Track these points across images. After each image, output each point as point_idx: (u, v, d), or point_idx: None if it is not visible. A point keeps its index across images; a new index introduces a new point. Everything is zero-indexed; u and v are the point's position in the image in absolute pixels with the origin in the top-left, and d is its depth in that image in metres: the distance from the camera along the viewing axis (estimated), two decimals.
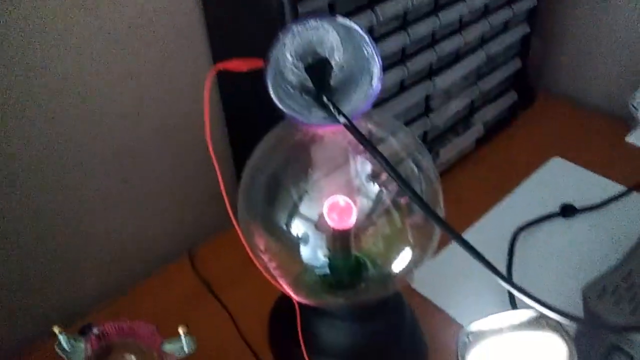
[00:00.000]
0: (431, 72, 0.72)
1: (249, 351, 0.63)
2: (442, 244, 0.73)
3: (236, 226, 0.44)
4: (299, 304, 0.52)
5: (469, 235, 0.75)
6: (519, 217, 0.76)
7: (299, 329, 0.52)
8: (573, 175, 0.84)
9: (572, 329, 0.45)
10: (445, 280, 0.69)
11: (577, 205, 0.77)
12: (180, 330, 0.51)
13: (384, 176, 0.49)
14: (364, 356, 0.57)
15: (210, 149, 0.40)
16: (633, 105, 0.89)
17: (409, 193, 0.39)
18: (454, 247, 0.72)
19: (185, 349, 0.52)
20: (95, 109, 0.63)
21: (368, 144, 0.39)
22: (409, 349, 0.60)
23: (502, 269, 0.69)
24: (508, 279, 0.42)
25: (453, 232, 0.40)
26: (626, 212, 0.76)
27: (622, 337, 0.49)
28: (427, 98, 0.74)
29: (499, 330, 0.46)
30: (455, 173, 0.86)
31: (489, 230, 0.76)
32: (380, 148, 0.39)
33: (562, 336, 0.45)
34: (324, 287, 0.52)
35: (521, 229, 0.74)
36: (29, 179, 0.61)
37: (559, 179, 0.84)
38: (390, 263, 0.52)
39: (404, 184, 0.39)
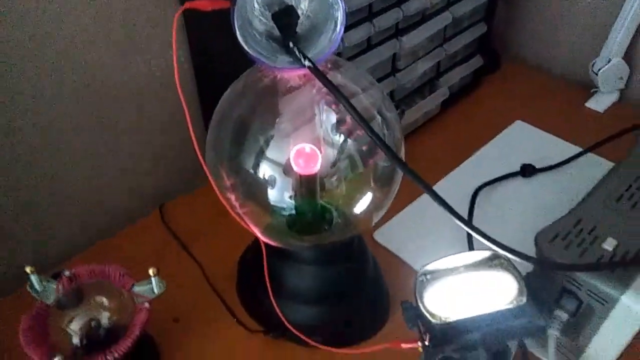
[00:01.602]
0: (398, 31, 0.74)
1: (217, 299, 0.65)
2: (405, 202, 0.76)
3: (205, 168, 0.46)
4: (267, 247, 0.55)
5: (440, 186, 0.78)
6: (481, 176, 0.79)
7: (266, 272, 0.55)
8: (534, 138, 0.88)
9: (523, 273, 0.48)
10: (408, 234, 0.72)
11: (536, 165, 0.81)
12: (150, 272, 0.52)
13: (349, 124, 0.51)
14: (328, 299, 0.60)
15: (180, 91, 0.41)
16: (593, 71, 0.92)
17: (371, 134, 0.41)
18: (416, 204, 0.76)
19: (155, 289, 0.53)
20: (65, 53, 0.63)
21: (332, 87, 0.40)
22: (371, 293, 0.63)
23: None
24: (464, 219, 0.45)
25: (413, 174, 0.42)
26: (582, 172, 0.80)
27: (569, 277, 0.52)
28: (394, 57, 0.76)
29: (455, 270, 0.49)
30: (421, 135, 0.88)
31: (452, 188, 0.79)
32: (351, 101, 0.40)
33: (512, 274, 0.48)
34: (291, 229, 0.54)
35: (482, 186, 0.77)
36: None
37: (520, 141, 0.87)
38: (353, 208, 0.54)
39: (367, 127, 0.41)
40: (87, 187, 0.73)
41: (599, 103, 0.94)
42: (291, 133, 0.48)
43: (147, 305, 0.52)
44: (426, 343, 0.47)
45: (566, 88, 0.98)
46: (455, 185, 0.79)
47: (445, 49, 0.82)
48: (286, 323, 0.56)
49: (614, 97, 0.94)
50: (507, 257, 0.48)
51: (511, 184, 0.79)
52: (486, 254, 0.49)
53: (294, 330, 0.56)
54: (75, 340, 0.50)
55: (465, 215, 0.73)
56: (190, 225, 0.75)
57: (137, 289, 0.54)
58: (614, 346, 0.52)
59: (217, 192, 0.48)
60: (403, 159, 0.53)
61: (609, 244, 0.52)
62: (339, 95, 0.41)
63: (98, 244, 0.72)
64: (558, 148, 0.85)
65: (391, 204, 0.65)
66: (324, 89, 0.42)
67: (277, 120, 0.48)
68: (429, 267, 0.49)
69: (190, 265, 0.69)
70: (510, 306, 0.46)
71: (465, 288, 0.48)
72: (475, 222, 0.72)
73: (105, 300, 0.53)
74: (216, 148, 0.49)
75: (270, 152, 0.49)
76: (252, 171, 0.49)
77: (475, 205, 0.75)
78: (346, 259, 0.60)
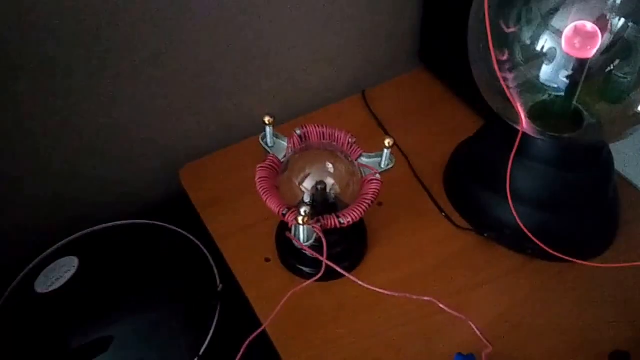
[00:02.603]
0: None
1: (423, 192, 0.62)
2: None
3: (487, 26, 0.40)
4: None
5: None
6: None
7: (506, 161, 0.49)
8: None
9: None
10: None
11: None
12: (387, 142, 0.49)
13: None
14: (559, 207, 0.54)
15: None
16: None
17: None
18: None
19: (385, 163, 0.50)
20: None
21: None
22: (605, 208, 0.56)
23: None
24: None
25: None
26: None
27: None
28: None
29: None
30: None
31: None
32: None
33: None
34: (546, 116, 0.47)
35: None
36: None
37: None
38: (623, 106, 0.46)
39: None
40: (293, 62, 0.70)
41: None
42: (576, 7, 0.41)
43: (378, 176, 0.49)
44: None
45: None
46: None
47: None
48: (521, 225, 0.50)
49: None
50: None
51: None
52: None
53: (528, 234, 0.50)
54: (307, 198, 0.48)
55: None
56: (395, 111, 0.70)
57: (366, 160, 0.51)
58: None
59: (492, 58, 0.42)
60: None
61: None
62: None
63: (300, 120, 0.70)
64: None
65: None
66: None
67: None
68: None
69: (395, 151, 0.65)
70: None
71: None
72: None
73: (332, 166, 0.50)
74: (495, 9, 0.43)
75: (553, 21, 0.42)
76: (528, 42, 0.42)
77: None
78: (591, 165, 0.53)
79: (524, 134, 0.48)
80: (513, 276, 0.55)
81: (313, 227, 0.45)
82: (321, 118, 0.70)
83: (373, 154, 0.51)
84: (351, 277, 0.46)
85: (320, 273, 0.46)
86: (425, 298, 0.47)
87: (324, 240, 0.45)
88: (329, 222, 0.46)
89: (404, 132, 0.67)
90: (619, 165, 0.60)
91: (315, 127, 0.51)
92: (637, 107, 0.47)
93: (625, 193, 0.59)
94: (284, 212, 0.45)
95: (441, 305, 0.47)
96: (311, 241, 0.46)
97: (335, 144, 0.51)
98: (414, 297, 0.47)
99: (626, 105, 0.48)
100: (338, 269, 0.46)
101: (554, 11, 0.44)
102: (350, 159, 0.51)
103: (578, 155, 0.53)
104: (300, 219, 0.43)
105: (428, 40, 0.74)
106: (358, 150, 0.51)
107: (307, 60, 0.70)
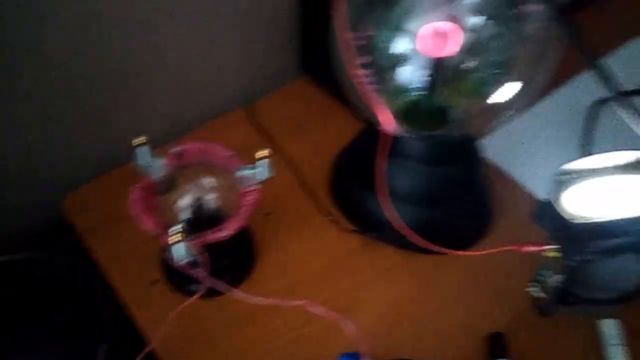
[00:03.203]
0: None
1: (310, 197, 0.63)
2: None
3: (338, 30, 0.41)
4: (373, 140, 0.51)
5: (547, 104, 0.72)
6: (598, 90, 0.72)
7: (380, 163, 0.51)
8: None
9: None
10: (511, 146, 0.67)
11: None
12: (266, 152, 0.49)
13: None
14: (434, 200, 0.57)
15: None
16: None
17: None
18: (526, 116, 0.70)
19: (264, 173, 0.50)
20: None
21: None
22: (477, 198, 0.59)
23: (576, 140, 0.67)
24: None
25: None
26: None
27: None
28: None
29: (600, 171, 0.44)
30: None
31: (567, 100, 0.73)
32: None
33: None
34: (411, 115, 0.50)
35: (604, 100, 0.71)
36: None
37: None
38: (486, 98, 0.49)
39: None
40: (178, 79, 0.69)
41: None
42: (430, 7, 0.43)
43: (257, 187, 0.49)
44: (561, 245, 0.44)
45: None
46: (572, 97, 0.73)
47: None
48: (395, 223, 0.52)
49: None
50: None
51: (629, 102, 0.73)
52: (636, 154, 0.44)
53: (404, 230, 0.53)
54: (184, 216, 0.48)
55: (579, 130, 0.68)
56: (281, 123, 0.71)
57: (244, 171, 0.51)
58: None
59: (345, 66, 0.44)
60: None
61: None
62: None
63: (186, 137, 0.69)
64: None
65: None
66: None
67: None
68: (570, 166, 0.45)
69: (281, 162, 0.66)
70: None
71: (611, 189, 0.44)
72: (599, 137, 0.67)
73: (211, 181, 0.51)
74: (348, 17, 0.45)
75: (405, 24, 0.44)
76: (383, 45, 0.44)
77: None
78: (458, 159, 0.56)
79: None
80: (398, 272, 0.57)
81: (190, 243, 0.45)
82: (208, 133, 0.70)
83: (252, 166, 0.52)
84: (233, 291, 0.46)
85: (201, 290, 0.46)
86: (301, 302, 0.48)
87: (203, 256, 0.45)
88: (207, 237, 0.46)
89: (291, 142, 0.68)
90: (492, 155, 0.64)
91: (191, 144, 0.51)
92: (494, 101, 0.50)
93: (500, 182, 0.63)
94: (160, 232, 0.45)
95: (322, 309, 0.48)
96: (190, 258, 0.46)
97: (213, 159, 0.52)
98: (294, 303, 0.48)
99: (484, 100, 0.51)
100: (218, 284, 0.46)
101: (407, 14, 0.46)
102: (228, 173, 0.51)
103: (448, 151, 0.56)
104: (171, 238, 0.43)
105: (308, 50, 0.76)
106: (237, 163, 0.51)
107: (190, 77, 0.69)
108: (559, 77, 0.76)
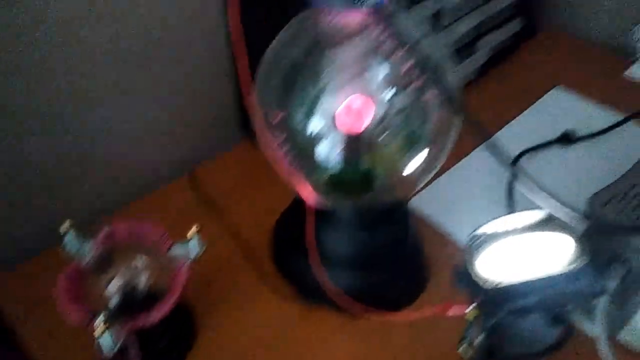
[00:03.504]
0: None
1: (252, 265, 0.64)
2: (444, 169, 0.74)
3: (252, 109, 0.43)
4: (309, 210, 0.53)
5: (472, 158, 0.75)
6: (521, 143, 0.76)
7: (308, 233, 0.53)
8: (574, 105, 0.84)
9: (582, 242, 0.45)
10: (442, 202, 0.70)
11: (577, 132, 0.78)
12: (193, 229, 0.50)
13: (404, 79, 0.48)
14: (368, 264, 0.58)
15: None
16: (633, 39, 0.88)
17: (432, 77, 0.38)
18: (452, 171, 0.73)
19: (196, 249, 0.52)
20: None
21: (391, 25, 0.38)
22: (411, 259, 0.61)
23: (503, 191, 0.70)
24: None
25: (470, 119, 0.40)
26: (624, 140, 0.77)
27: (620, 242, 0.49)
28: (438, 14, 0.73)
29: (508, 232, 0.46)
30: None
31: (492, 155, 0.76)
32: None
33: (570, 235, 0.45)
34: (334, 190, 0.52)
35: (523, 152, 0.75)
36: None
37: (560, 108, 0.84)
38: (402, 168, 0.52)
39: (428, 67, 0.38)
40: (115, 150, 0.71)
41: (638, 72, 0.90)
42: (343, 85, 0.46)
43: (187, 265, 0.50)
44: (478, 308, 0.46)
45: (605, 55, 0.95)
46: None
47: (485, 10, 0.79)
48: (329, 288, 0.54)
49: None
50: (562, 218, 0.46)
51: (552, 152, 0.77)
52: (540, 214, 0.47)
53: (335, 296, 0.54)
54: (114, 301, 0.48)
55: (507, 183, 0.71)
56: (223, 189, 0.73)
57: (176, 249, 0.52)
58: None
59: (262, 146, 0.46)
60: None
61: None
62: (397, 35, 0.38)
63: (124, 209, 0.70)
64: (599, 116, 0.82)
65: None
66: (381, 39, 0.39)
67: (328, 69, 0.46)
68: (481, 230, 0.47)
69: (223, 230, 0.67)
70: (568, 269, 0.44)
71: (519, 250, 0.46)
72: (517, 189, 0.70)
73: (143, 261, 0.51)
74: (264, 96, 0.47)
75: (320, 104, 0.47)
76: (300, 123, 0.46)
77: (517, 172, 0.73)
78: (388, 223, 0.58)
79: None
80: (339, 338, 0.58)
81: (118, 331, 0.45)
82: (147, 206, 0.70)
83: (184, 242, 0.53)
84: None
85: None
86: None
87: (133, 343, 0.46)
88: (136, 322, 0.46)
89: (233, 208, 0.69)
90: (426, 213, 0.67)
91: (120, 224, 0.52)
92: (408, 169, 0.53)
93: (435, 239, 0.65)
94: (86, 322, 0.45)
95: None
96: (119, 347, 0.46)
97: (144, 237, 0.52)
98: None
99: (400, 169, 0.53)
100: None
101: (319, 94, 0.48)
102: (160, 251, 0.52)
103: (376, 215, 0.58)
104: (96, 331, 0.43)
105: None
106: (168, 241, 0.52)
107: (128, 156, 0.71)
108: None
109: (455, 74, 0.76)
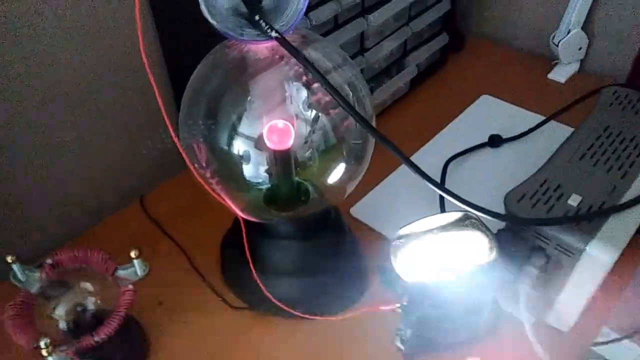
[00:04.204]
0: (364, 9, 0.76)
1: (202, 281, 0.67)
2: (379, 178, 0.78)
3: (178, 145, 0.47)
4: (247, 224, 0.56)
5: (403, 168, 0.79)
6: (451, 149, 0.81)
7: (246, 247, 0.56)
8: (500, 111, 0.90)
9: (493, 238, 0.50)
10: (382, 208, 0.74)
11: (503, 135, 0.83)
12: (132, 254, 0.53)
13: (321, 99, 0.52)
14: (308, 271, 0.62)
15: (148, 70, 0.41)
16: (554, 43, 0.95)
17: (342, 104, 0.43)
18: (390, 179, 0.78)
19: (138, 271, 0.54)
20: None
21: (300, 56, 0.42)
22: (350, 264, 0.65)
23: (437, 195, 0.74)
24: (434, 181, 0.47)
25: (386, 140, 0.44)
26: (546, 139, 0.83)
27: (538, 234, 0.54)
28: (362, 36, 0.78)
29: (427, 232, 0.51)
30: (390, 114, 0.90)
31: (423, 162, 0.79)
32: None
33: (483, 232, 0.50)
34: (268, 206, 0.55)
35: (452, 158, 0.80)
36: None
37: (487, 115, 0.90)
38: (328, 180, 0.56)
39: (337, 95, 0.42)
40: (64, 181, 0.73)
41: (560, 74, 0.97)
42: (263, 108, 0.50)
43: (130, 286, 0.53)
44: (404, 303, 0.50)
45: (529, 61, 1.01)
46: (427, 159, 0.81)
47: (411, 28, 0.84)
48: (269, 296, 0.57)
49: (574, 67, 0.97)
50: (477, 216, 0.51)
51: (480, 155, 0.82)
52: (458, 215, 0.51)
53: (277, 302, 0.57)
54: (62, 325, 0.50)
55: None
56: (171, 212, 0.75)
57: (121, 272, 0.55)
58: (581, 296, 0.55)
59: (192, 169, 0.49)
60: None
61: (574, 200, 0.55)
62: (307, 65, 0.42)
63: (78, 238, 0.72)
64: (523, 118, 0.87)
65: (366, 180, 0.67)
66: (295, 64, 0.43)
67: (248, 96, 0.49)
68: (403, 231, 0.51)
69: (174, 250, 0.70)
70: (482, 263, 0.49)
71: (438, 248, 0.50)
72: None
73: (89, 286, 0.54)
74: (189, 126, 0.50)
75: (242, 128, 0.50)
76: (225, 147, 0.50)
77: (447, 176, 0.78)
78: (324, 231, 0.62)
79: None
80: (285, 342, 0.61)
81: (66, 353, 0.47)
82: (100, 233, 0.73)
83: (128, 265, 0.55)
84: None
85: None
86: None
87: None
88: (81, 344, 0.49)
89: (182, 229, 0.72)
90: (364, 218, 0.71)
91: (66, 253, 0.54)
92: (331, 182, 0.57)
93: (375, 243, 0.69)
94: (35, 346, 0.47)
95: None
96: None
97: (90, 263, 0.55)
98: None
99: (324, 181, 0.57)
100: None
101: (244, 118, 0.52)
102: (106, 276, 0.54)
103: (312, 225, 0.61)
104: (44, 352, 0.45)
105: None
106: (112, 265, 0.55)
107: (76, 175, 0.73)
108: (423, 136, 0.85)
109: (373, 97, 0.81)
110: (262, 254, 0.60)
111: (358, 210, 0.74)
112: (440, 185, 0.48)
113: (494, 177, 0.77)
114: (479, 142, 0.83)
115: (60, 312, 0.51)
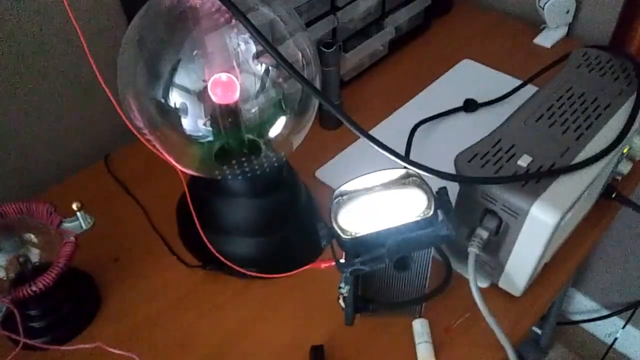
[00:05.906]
0: None
1: (159, 239, 0.67)
2: (347, 143, 0.77)
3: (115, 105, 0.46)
4: (199, 182, 0.55)
5: (376, 130, 0.78)
6: (425, 114, 0.79)
7: (190, 205, 0.55)
8: (480, 75, 0.88)
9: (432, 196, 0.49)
10: (347, 171, 0.72)
11: (480, 100, 0.81)
12: (74, 206, 0.53)
13: (264, 53, 0.51)
14: (260, 230, 0.61)
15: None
16: (540, 6, 0.92)
17: (278, 59, 0.41)
18: (358, 144, 0.76)
19: (83, 224, 0.54)
20: None
21: (240, 14, 0.40)
22: (305, 223, 0.64)
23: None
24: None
25: (326, 100, 0.43)
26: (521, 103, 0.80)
27: (487, 196, 0.53)
28: None
29: (369, 189, 0.50)
30: (368, 76, 0.88)
31: (395, 126, 0.79)
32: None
33: (423, 190, 0.49)
34: (217, 161, 0.55)
35: (422, 122, 0.78)
36: None
37: (466, 79, 0.87)
38: (274, 134, 0.55)
39: (273, 50, 0.41)
40: (30, 139, 0.73)
41: (547, 39, 0.94)
42: (203, 59, 0.49)
43: (72, 238, 0.53)
44: (340, 260, 0.49)
45: (517, 26, 0.98)
46: (399, 123, 0.80)
47: None
48: (217, 255, 0.57)
49: (562, 32, 0.94)
50: (418, 173, 0.49)
51: (454, 120, 0.80)
52: (400, 172, 0.50)
53: (226, 262, 0.57)
54: (1, 274, 0.51)
55: (403, 149, 0.74)
56: (135, 172, 0.75)
57: (66, 225, 0.55)
58: (529, 259, 0.54)
59: (129, 125, 0.49)
60: (318, 87, 0.54)
61: (524, 161, 0.53)
62: (237, 13, 0.41)
63: (43, 193, 0.73)
64: (503, 83, 0.85)
65: (334, 144, 0.66)
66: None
67: (183, 46, 0.48)
68: (344, 188, 0.50)
69: (134, 209, 0.70)
70: (418, 218, 0.48)
71: (378, 205, 0.49)
72: (415, 155, 0.74)
73: (32, 237, 0.54)
74: (126, 77, 0.49)
75: (178, 79, 0.49)
76: (162, 100, 0.49)
77: (421, 140, 0.76)
78: (276, 189, 0.61)
79: None
80: (238, 299, 0.61)
81: (2, 301, 0.48)
82: (64, 189, 0.73)
83: (73, 218, 0.55)
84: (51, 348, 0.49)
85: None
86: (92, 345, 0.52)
87: (16, 312, 0.48)
88: (20, 292, 0.49)
89: (143, 189, 0.72)
90: (328, 180, 0.70)
91: (10, 205, 0.54)
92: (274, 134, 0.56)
93: None
94: None
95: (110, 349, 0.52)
96: (2, 313, 0.49)
97: (35, 216, 0.55)
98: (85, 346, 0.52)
99: (267, 134, 0.56)
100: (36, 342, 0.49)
101: (179, 69, 0.50)
102: (50, 228, 0.54)
103: (265, 182, 0.61)
104: None
105: None
106: (57, 218, 0.55)
107: (45, 138, 0.73)
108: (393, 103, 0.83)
109: (347, 58, 0.79)
110: (213, 212, 0.60)
111: (324, 173, 0.73)
112: (380, 142, 0.47)
113: (467, 142, 0.75)
114: (454, 106, 0.81)
115: (1, 262, 0.51)
